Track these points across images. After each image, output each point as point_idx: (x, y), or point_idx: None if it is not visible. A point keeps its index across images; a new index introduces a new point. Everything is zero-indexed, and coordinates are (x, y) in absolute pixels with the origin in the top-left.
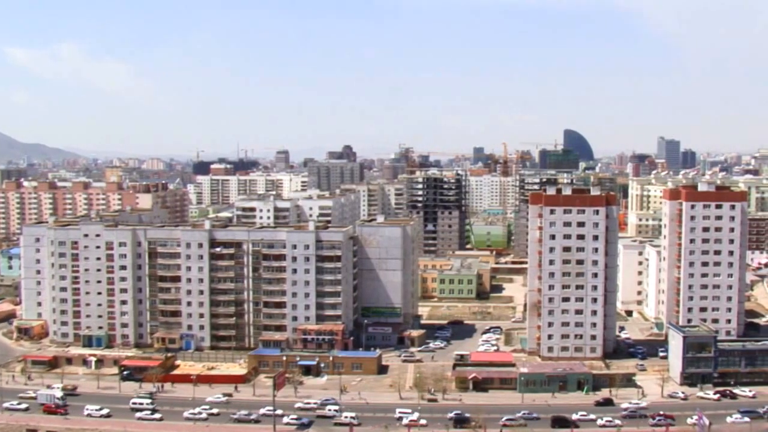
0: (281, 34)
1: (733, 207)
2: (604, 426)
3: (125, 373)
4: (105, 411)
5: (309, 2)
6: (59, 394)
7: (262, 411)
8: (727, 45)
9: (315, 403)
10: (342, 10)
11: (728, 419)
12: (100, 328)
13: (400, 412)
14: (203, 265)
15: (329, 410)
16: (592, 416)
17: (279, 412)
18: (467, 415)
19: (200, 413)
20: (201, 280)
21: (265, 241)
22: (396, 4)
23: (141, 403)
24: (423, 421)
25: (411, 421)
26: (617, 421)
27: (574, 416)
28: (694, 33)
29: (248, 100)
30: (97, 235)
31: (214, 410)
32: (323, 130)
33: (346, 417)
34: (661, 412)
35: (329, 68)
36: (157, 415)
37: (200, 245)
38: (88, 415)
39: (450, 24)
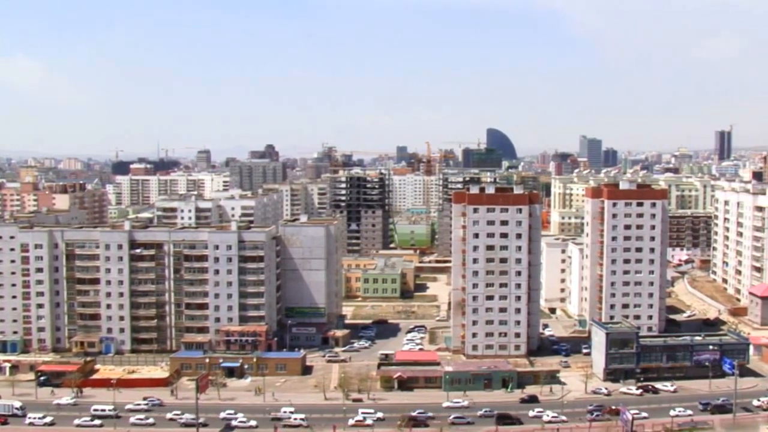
0: (201, 32)
1: (654, 205)
2: (549, 422)
3: (42, 378)
4: (48, 419)
5: (232, 0)
6: (18, 404)
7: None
8: (648, 45)
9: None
10: (265, 8)
11: (671, 412)
12: (15, 332)
13: (362, 413)
14: (123, 266)
15: (283, 412)
16: (538, 411)
17: (241, 415)
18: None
19: (146, 419)
20: (121, 282)
21: (186, 241)
22: (320, 3)
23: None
24: (369, 421)
25: (357, 421)
26: (563, 417)
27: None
28: (616, 33)
29: (169, 99)
30: (12, 237)
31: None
32: (245, 129)
33: (296, 419)
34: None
35: (251, 66)
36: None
37: (120, 246)
38: (30, 423)
39: (372, 23)
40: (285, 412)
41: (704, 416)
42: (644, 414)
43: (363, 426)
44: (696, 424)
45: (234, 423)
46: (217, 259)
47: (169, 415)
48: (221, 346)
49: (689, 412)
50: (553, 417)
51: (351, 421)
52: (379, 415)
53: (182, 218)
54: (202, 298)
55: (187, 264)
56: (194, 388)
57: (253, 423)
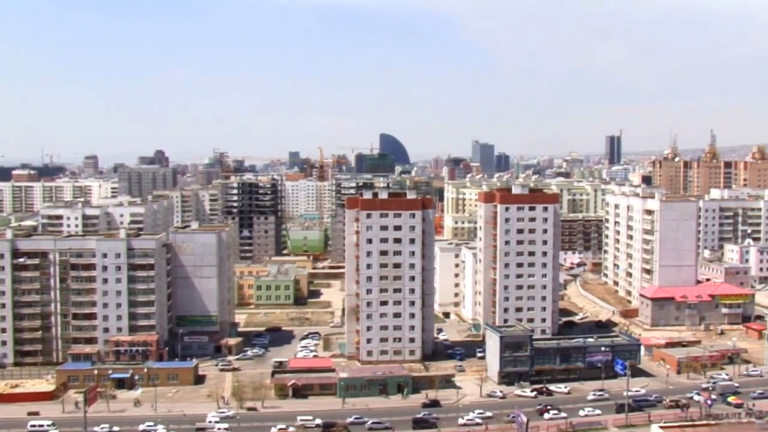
0: (85, 33)
1: (546, 209)
2: (465, 425)
3: None
4: None
5: (114, 1)
6: None
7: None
8: (540, 50)
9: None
10: (148, 8)
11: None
12: None
13: (301, 419)
14: (5, 276)
15: (209, 422)
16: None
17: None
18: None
19: None
20: (3, 293)
21: (73, 250)
22: (207, 3)
23: None
24: (291, 429)
25: (280, 428)
26: (478, 420)
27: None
28: (508, 38)
29: (53, 102)
30: None
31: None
32: (134, 134)
33: (219, 428)
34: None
35: (137, 68)
36: None
37: (1, 256)
38: None
39: (261, 25)
40: (210, 421)
41: (607, 416)
42: (563, 414)
43: None
44: (591, 424)
45: None
46: (105, 268)
47: None
48: (110, 357)
49: (598, 411)
50: (468, 420)
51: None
52: (318, 421)
53: (68, 226)
54: (89, 308)
55: (74, 273)
56: (82, 401)
57: None
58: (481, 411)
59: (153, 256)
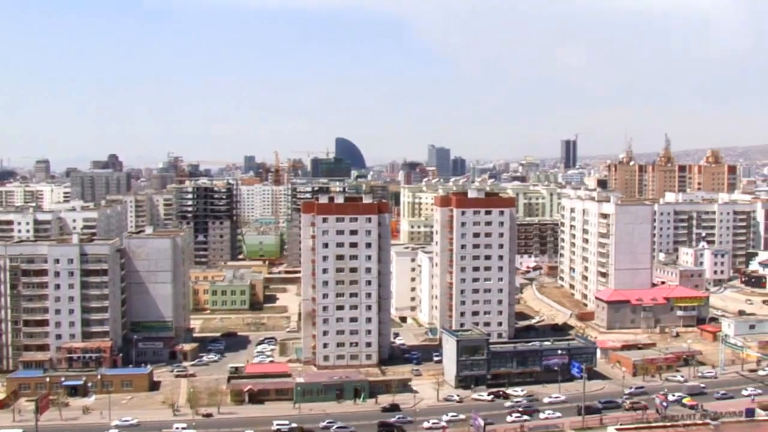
0: (33, 34)
1: (502, 213)
2: (430, 429)
3: None
4: None
5: (71, 1)
6: None
7: None
8: (496, 54)
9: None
10: (102, 9)
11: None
12: None
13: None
14: None
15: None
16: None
17: None
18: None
19: None
20: None
21: (24, 256)
22: (162, 5)
23: None
24: None
25: None
26: (443, 423)
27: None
28: (463, 42)
29: (1, 105)
30: None
31: None
32: (86, 138)
33: None
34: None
35: (91, 71)
36: None
37: None
38: None
39: (217, 27)
40: (177, 428)
41: (565, 419)
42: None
43: None
44: (548, 427)
45: None
46: (57, 274)
47: None
48: (63, 364)
49: (558, 414)
50: (434, 421)
51: None
52: (294, 425)
53: (19, 231)
54: (41, 314)
55: (25, 279)
56: (34, 410)
57: None
58: (455, 414)
59: (106, 262)
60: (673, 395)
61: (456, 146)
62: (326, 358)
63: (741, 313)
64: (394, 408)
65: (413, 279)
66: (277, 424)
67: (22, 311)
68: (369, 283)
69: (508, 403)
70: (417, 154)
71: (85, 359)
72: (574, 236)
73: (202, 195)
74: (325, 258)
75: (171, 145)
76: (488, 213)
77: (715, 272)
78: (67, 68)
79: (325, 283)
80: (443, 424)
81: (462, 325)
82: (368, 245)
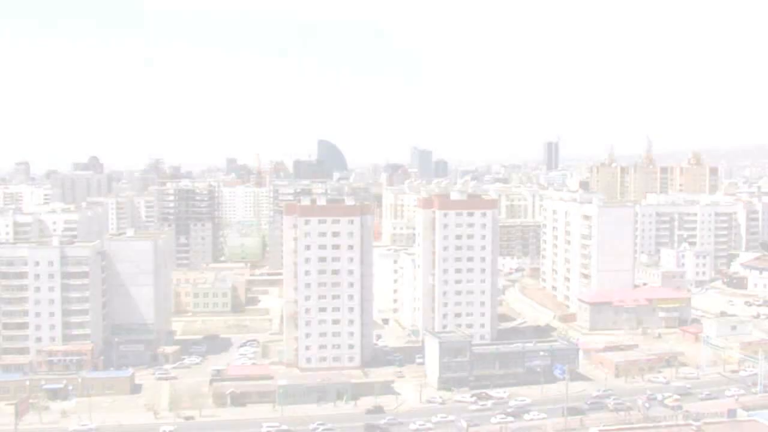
0: (7, 35)
1: (484, 214)
2: (416, 431)
3: None
4: None
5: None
6: None
7: None
8: (478, 56)
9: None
10: (81, 9)
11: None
12: None
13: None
14: None
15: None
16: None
17: None
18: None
19: None
20: None
21: (3, 258)
22: (139, 6)
23: None
24: None
25: None
26: (429, 425)
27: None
28: (445, 44)
29: None
30: None
31: None
32: (67, 140)
33: None
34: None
35: (69, 72)
36: None
37: None
38: None
39: (197, 29)
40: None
41: (548, 420)
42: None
43: None
44: (530, 429)
45: None
46: (37, 276)
47: None
48: (43, 367)
49: (543, 415)
50: (421, 423)
51: None
52: (284, 427)
53: None
54: (21, 317)
55: (5, 282)
56: (13, 413)
57: None
58: (444, 415)
59: (87, 264)
60: (662, 395)
61: (438, 148)
62: (309, 360)
63: (723, 314)
64: (378, 410)
65: (396, 281)
66: (267, 426)
67: (1, 314)
68: (351, 285)
69: (490, 404)
70: (399, 156)
71: (65, 362)
72: (556, 238)
73: (183, 197)
74: (307, 260)
75: (152, 148)
76: (470, 215)
77: (697, 273)
78: (46, 69)
79: (308, 285)
80: (430, 426)
81: (444, 326)
82: (350, 247)
